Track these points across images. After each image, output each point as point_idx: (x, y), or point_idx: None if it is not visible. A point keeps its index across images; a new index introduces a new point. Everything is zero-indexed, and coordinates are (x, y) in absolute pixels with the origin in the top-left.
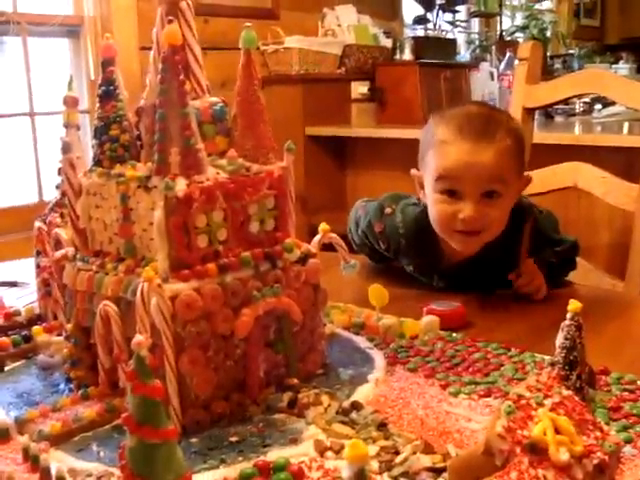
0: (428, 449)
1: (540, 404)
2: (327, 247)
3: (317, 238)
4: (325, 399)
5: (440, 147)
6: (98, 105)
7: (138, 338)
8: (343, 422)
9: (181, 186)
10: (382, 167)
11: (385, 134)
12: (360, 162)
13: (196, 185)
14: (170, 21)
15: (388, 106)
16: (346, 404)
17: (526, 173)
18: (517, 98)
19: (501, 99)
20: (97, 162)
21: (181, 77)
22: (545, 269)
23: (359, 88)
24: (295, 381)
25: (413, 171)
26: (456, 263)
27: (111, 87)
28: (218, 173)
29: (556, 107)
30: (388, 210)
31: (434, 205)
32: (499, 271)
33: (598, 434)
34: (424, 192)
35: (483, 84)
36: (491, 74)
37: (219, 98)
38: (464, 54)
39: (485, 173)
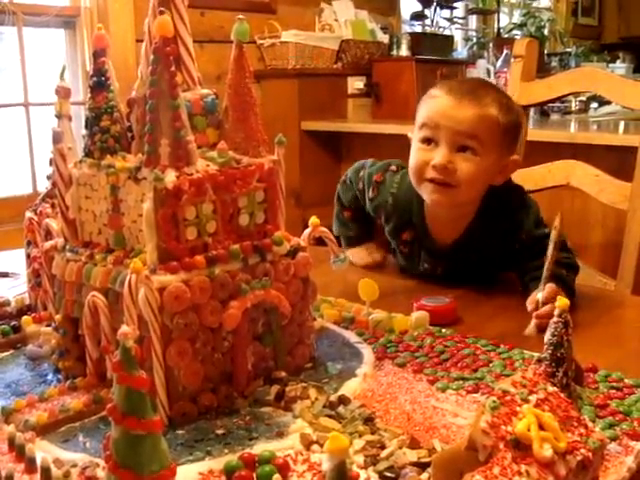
0: (414, 444)
1: (525, 400)
2: (321, 242)
3: (307, 232)
4: (312, 393)
5: (428, 100)
6: (89, 96)
7: (124, 329)
8: (330, 416)
9: (170, 178)
10: None
11: (381, 129)
12: (355, 157)
13: (186, 177)
14: (161, 12)
15: (384, 101)
16: (333, 398)
17: (516, 156)
18: (512, 95)
19: None
20: (88, 153)
21: (172, 69)
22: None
23: (355, 83)
24: (283, 374)
25: (409, 133)
26: (444, 245)
27: (102, 78)
28: (208, 165)
29: (552, 105)
30: (393, 168)
31: (413, 154)
32: (486, 260)
33: (582, 431)
34: None
35: None
36: (488, 71)
37: (210, 90)
38: (461, 51)
39: (461, 126)
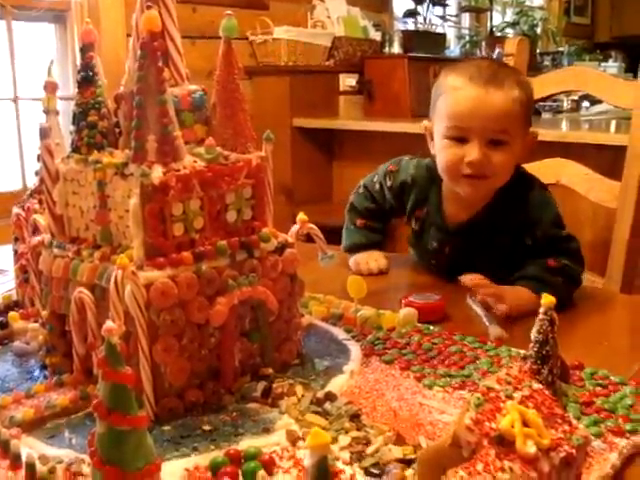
0: (400, 440)
1: (509, 397)
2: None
3: (295, 228)
4: (299, 389)
5: (450, 93)
6: (77, 91)
7: (109, 325)
8: (316, 412)
9: (157, 174)
10: (369, 160)
11: (373, 127)
12: (347, 154)
13: (173, 173)
14: (149, 7)
15: (376, 99)
16: (320, 395)
17: (534, 130)
18: None
19: None
20: (75, 148)
21: (159, 64)
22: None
23: (347, 80)
24: (270, 371)
25: (424, 122)
26: (455, 224)
27: (90, 73)
28: (195, 161)
29: (543, 104)
30: (406, 157)
31: (442, 150)
32: (494, 248)
33: (566, 428)
34: (434, 143)
35: None
36: None
37: (199, 86)
38: (454, 49)
39: (492, 118)
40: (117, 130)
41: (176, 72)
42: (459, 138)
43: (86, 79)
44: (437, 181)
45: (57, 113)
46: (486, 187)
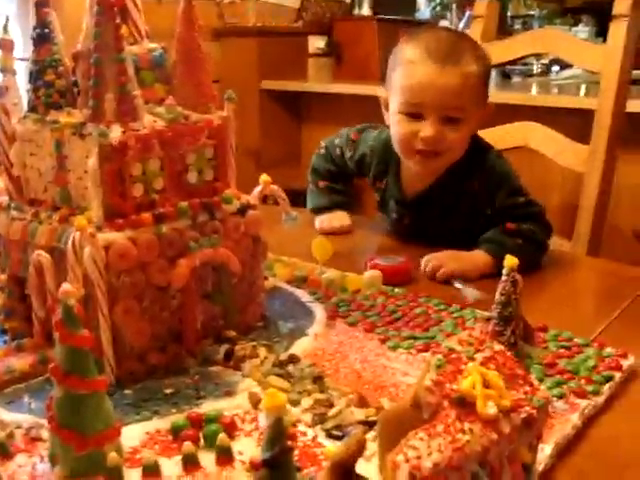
0: (362, 402)
1: (471, 358)
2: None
3: (257, 189)
4: (262, 352)
5: (406, 66)
6: (32, 49)
7: (65, 287)
8: (279, 375)
9: (116, 133)
10: (338, 123)
11: (341, 90)
12: (316, 117)
13: (132, 133)
14: None
15: (345, 62)
16: (283, 357)
17: (490, 101)
18: None
19: None
20: (32, 108)
21: (117, 21)
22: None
23: (316, 43)
24: (233, 333)
25: (379, 92)
26: (412, 195)
27: (46, 30)
28: (155, 121)
29: (513, 67)
30: (370, 127)
31: (396, 124)
32: (455, 218)
33: (528, 389)
34: (388, 114)
35: None
36: None
37: (158, 44)
38: (424, 11)
39: (448, 95)
40: (75, 89)
41: (135, 30)
42: (413, 114)
43: (41, 36)
44: (395, 154)
45: (14, 72)
46: (439, 163)
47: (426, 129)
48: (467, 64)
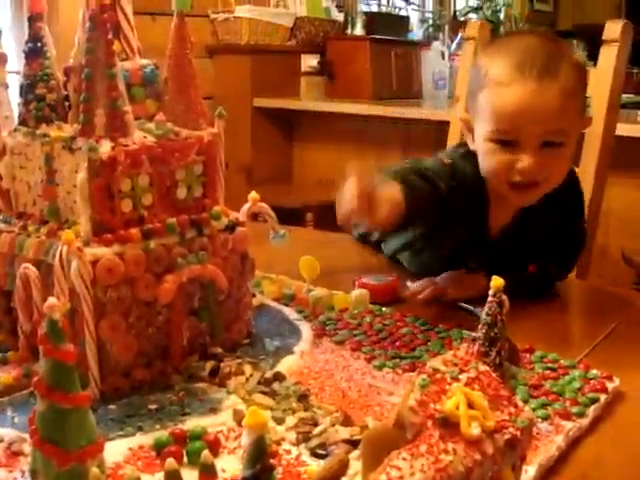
0: (347, 421)
1: (455, 379)
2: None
3: (246, 207)
4: (247, 369)
5: (495, 89)
6: (24, 63)
7: (51, 301)
8: (264, 392)
9: (105, 148)
10: (330, 141)
11: (334, 108)
12: (308, 135)
13: (121, 148)
14: None
15: (338, 80)
16: (268, 375)
17: (587, 112)
18: (463, 77)
19: (451, 79)
20: (22, 121)
21: (109, 36)
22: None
23: (309, 61)
24: (219, 350)
25: (461, 114)
26: (497, 231)
27: (38, 44)
28: (145, 137)
29: None
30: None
31: (488, 154)
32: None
33: (512, 410)
34: (472, 137)
35: (434, 63)
36: (442, 53)
37: (150, 61)
38: (416, 32)
39: (548, 118)
40: (67, 104)
41: (127, 46)
42: (507, 141)
43: (34, 50)
44: (482, 183)
45: (6, 86)
46: (539, 193)
47: (524, 159)
48: (567, 78)
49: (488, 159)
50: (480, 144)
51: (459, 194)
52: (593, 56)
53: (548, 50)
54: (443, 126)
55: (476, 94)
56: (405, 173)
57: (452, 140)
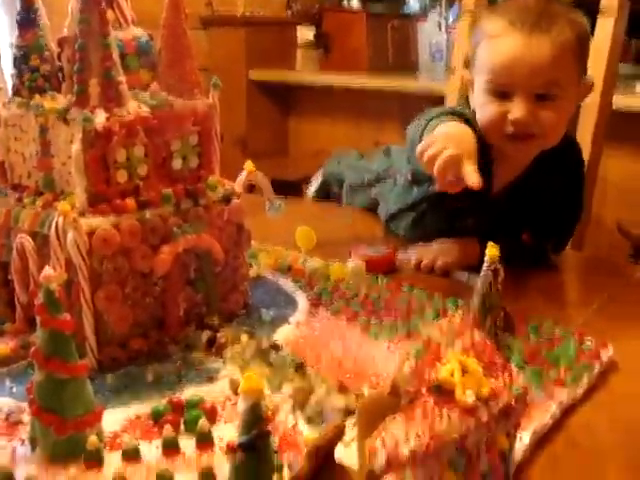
0: (343, 390)
1: (450, 346)
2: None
3: (241, 177)
4: (244, 339)
5: (488, 41)
6: (17, 33)
7: (47, 271)
8: (261, 362)
9: (100, 119)
10: (325, 114)
11: (329, 81)
12: (303, 108)
13: (116, 118)
14: None
15: (334, 53)
16: (265, 344)
17: (589, 78)
18: (459, 50)
19: (448, 51)
20: (16, 92)
21: (102, 6)
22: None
23: (305, 33)
24: (215, 320)
25: (464, 73)
26: (499, 190)
27: (31, 14)
28: (140, 107)
29: None
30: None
31: (482, 107)
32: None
33: (506, 378)
34: (474, 96)
35: (431, 35)
36: (439, 25)
37: (144, 31)
38: (413, 4)
39: (538, 69)
40: (61, 75)
41: (121, 15)
42: (501, 93)
43: (27, 20)
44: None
45: None
46: (536, 147)
47: (515, 110)
48: (560, 31)
49: (483, 110)
50: (477, 98)
51: None
52: (591, 29)
53: (542, 8)
54: (440, 98)
55: (475, 51)
56: (462, 112)
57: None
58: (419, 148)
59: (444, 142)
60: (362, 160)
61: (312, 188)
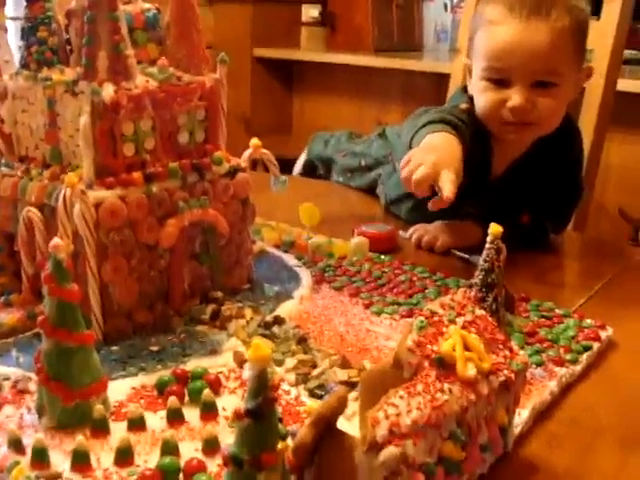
0: (345, 364)
1: (452, 321)
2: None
3: (247, 153)
4: (248, 312)
5: (487, 27)
6: (25, 5)
7: (55, 241)
8: (264, 335)
9: (108, 92)
10: (329, 92)
11: (334, 59)
12: (308, 87)
13: (124, 92)
14: None
15: (338, 32)
16: (268, 318)
17: (587, 63)
18: (465, 31)
19: (453, 31)
20: (24, 65)
21: None
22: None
23: (310, 11)
24: (219, 294)
25: (464, 59)
26: (499, 176)
27: None
28: (148, 81)
29: None
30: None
31: (480, 93)
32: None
33: (507, 353)
34: (472, 83)
35: (436, 15)
36: (445, 5)
37: (152, 5)
38: None
39: (536, 56)
40: (68, 47)
41: None
42: (499, 80)
43: None
44: (480, 128)
45: (5, 29)
46: (533, 134)
47: (513, 98)
48: (558, 18)
49: (481, 98)
50: (475, 84)
51: (472, 137)
52: (597, 11)
53: None
54: (444, 78)
55: (473, 37)
56: (452, 119)
57: (453, 92)
58: (402, 163)
59: (422, 158)
60: (354, 142)
61: (296, 168)
